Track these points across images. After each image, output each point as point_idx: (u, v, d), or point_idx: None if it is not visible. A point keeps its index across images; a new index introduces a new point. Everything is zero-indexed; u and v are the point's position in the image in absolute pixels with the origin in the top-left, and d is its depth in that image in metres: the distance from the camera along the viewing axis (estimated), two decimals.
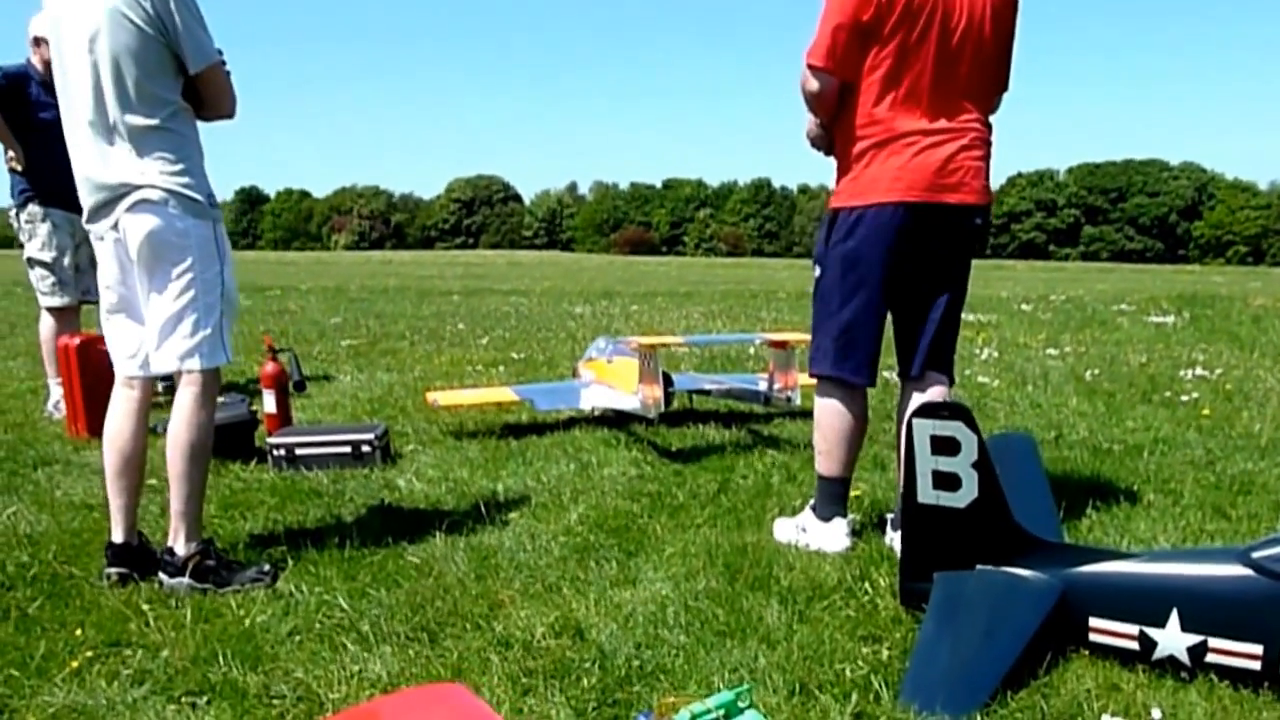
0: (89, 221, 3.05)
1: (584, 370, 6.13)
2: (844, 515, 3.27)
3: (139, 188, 2.92)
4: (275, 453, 4.59)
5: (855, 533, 3.45)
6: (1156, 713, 2.30)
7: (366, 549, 3.44)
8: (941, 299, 3.08)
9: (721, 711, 1.99)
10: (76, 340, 5.35)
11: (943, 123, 2.83)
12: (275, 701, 2.37)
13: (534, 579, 3.18)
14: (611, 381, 5.44)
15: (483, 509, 3.89)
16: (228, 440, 4.70)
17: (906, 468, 2.67)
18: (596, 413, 5.62)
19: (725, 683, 2.43)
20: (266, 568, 3.19)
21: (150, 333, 3.05)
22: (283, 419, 5.05)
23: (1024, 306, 13.68)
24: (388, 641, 2.71)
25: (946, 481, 2.64)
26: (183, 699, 2.37)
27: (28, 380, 7.07)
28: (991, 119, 3.02)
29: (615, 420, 5.57)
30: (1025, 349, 9.06)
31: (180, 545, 3.07)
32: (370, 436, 4.62)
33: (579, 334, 10.63)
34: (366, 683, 2.47)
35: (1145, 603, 2.44)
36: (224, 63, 3.05)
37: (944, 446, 2.61)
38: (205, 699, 2.37)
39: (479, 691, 2.38)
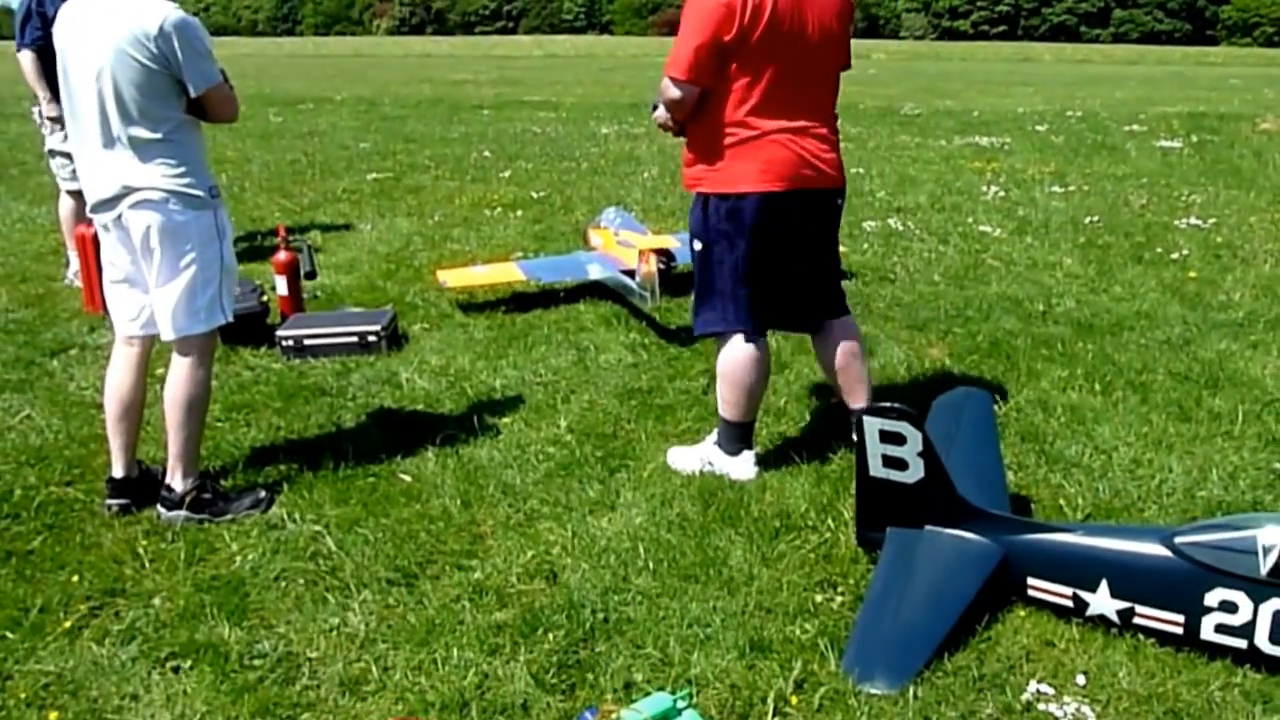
0: (93, 212, 3.04)
1: (593, 236, 5.93)
2: (750, 448, 3.32)
3: (141, 189, 2.92)
4: (284, 343, 4.52)
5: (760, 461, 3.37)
6: (1081, 679, 2.29)
7: (361, 466, 3.41)
8: (819, 264, 3.27)
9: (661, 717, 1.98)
10: (93, 230, 5.31)
11: (801, 121, 3.00)
12: (256, 663, 2.39)
13: (516, 506, 3.15)
14: (617, 255, 5.26)
15: (477, 414, 3.83)
16: (239, 330, 4.62)
17: (858, 448, 2.59)
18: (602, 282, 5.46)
19: (681, 643, 2.42)
20: (262, 494, 3.19)
21: (153, 302, 3.09)
22: (294, 304, 5.01)
23: (1038, 128, 12.92)
24: (369, 586, 2.71)
25: (895, 463, 2.55)
26: (167, 662, 2.40)
27: (51, 236, 6.84)
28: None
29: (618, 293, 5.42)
30: (1031, 185, 8.61)
31: (178, 482, 3.06)
32: (377, 327, 4.53)
33: (600, 164, 10.26)
34: (345, 637, 2.49)
35: (1079, 569, 2.45)
36: (227, 80, 3.04)
37: (892, 438, 2.52)
38: (189, 663, 2.40)
39: (449, 652, 2.39)
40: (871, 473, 2.60)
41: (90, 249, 5.27)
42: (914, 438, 2.49)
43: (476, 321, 4.98)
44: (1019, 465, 3.35)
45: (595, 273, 5.24)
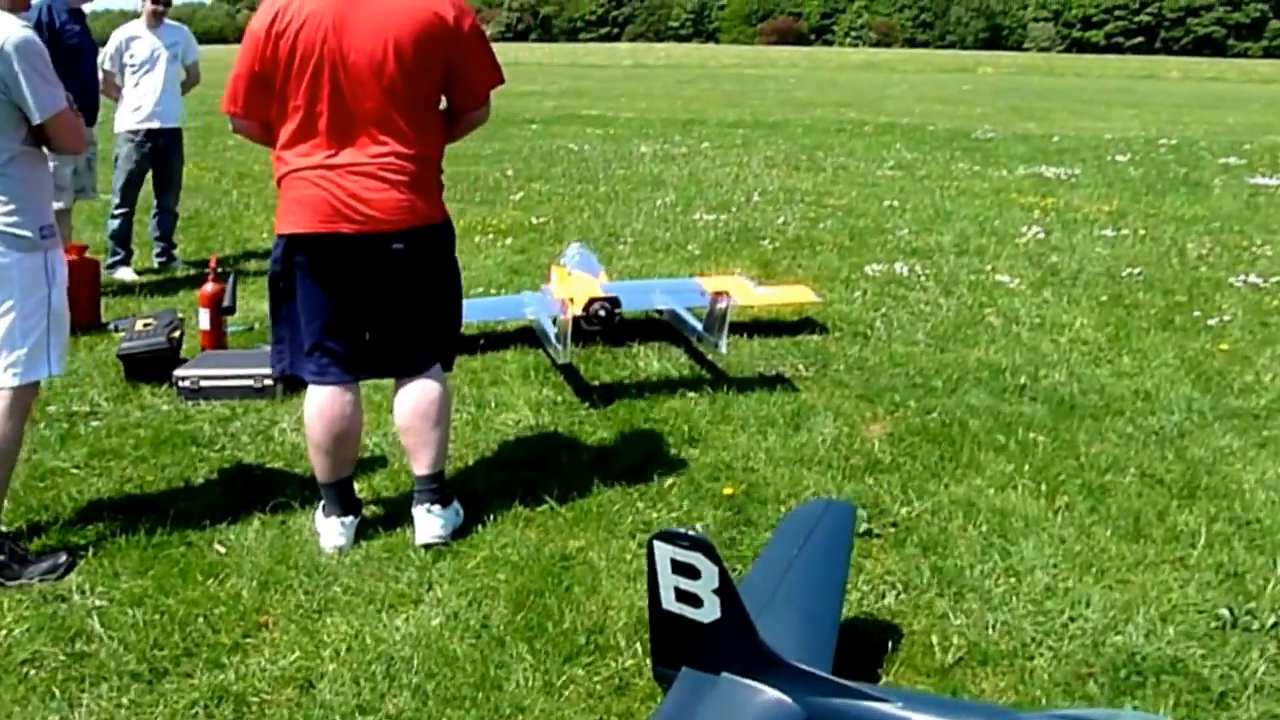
0: None
1: (553, 273, 5.71)
2: (342, 514, 3.14)
3: None
4: (180, 384, 4.41)
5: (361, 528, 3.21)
6: None
7: (182, 531, 3.24)
8: (389, 316, 3.06)
9: None
10: None
11: (345, 158, 2.83)
12: None
13: (315, 593, 2.92)
14: (559, 296, 5.01)
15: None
16: (142, 368, 4.59)
17: (649, 575, 2.26)
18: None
19: None
20: (62, 559, 3.03)
21: None
22: (216, 339, 4.95)
23: (1119, 158, 12.17)
24: (109, 681, 2.51)
25: (689, 599, 2.22)
26: None
27: None
28: (437, 139, 2.99)
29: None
30: (1079, 227, 8.03)
31: None
32: (269, 370, 4.36)
33: (620, 188, 10.05)
34: None
35: None
36: (72, 106, 2.91)
37: (685, 570, 2.18)
38: None
39: None
40: (664, 605, 2.28)
41: None
42: (709, 572, 2.15)
43: None
44: (904, 584, 2.96)
45: (531, 315, 5.01)
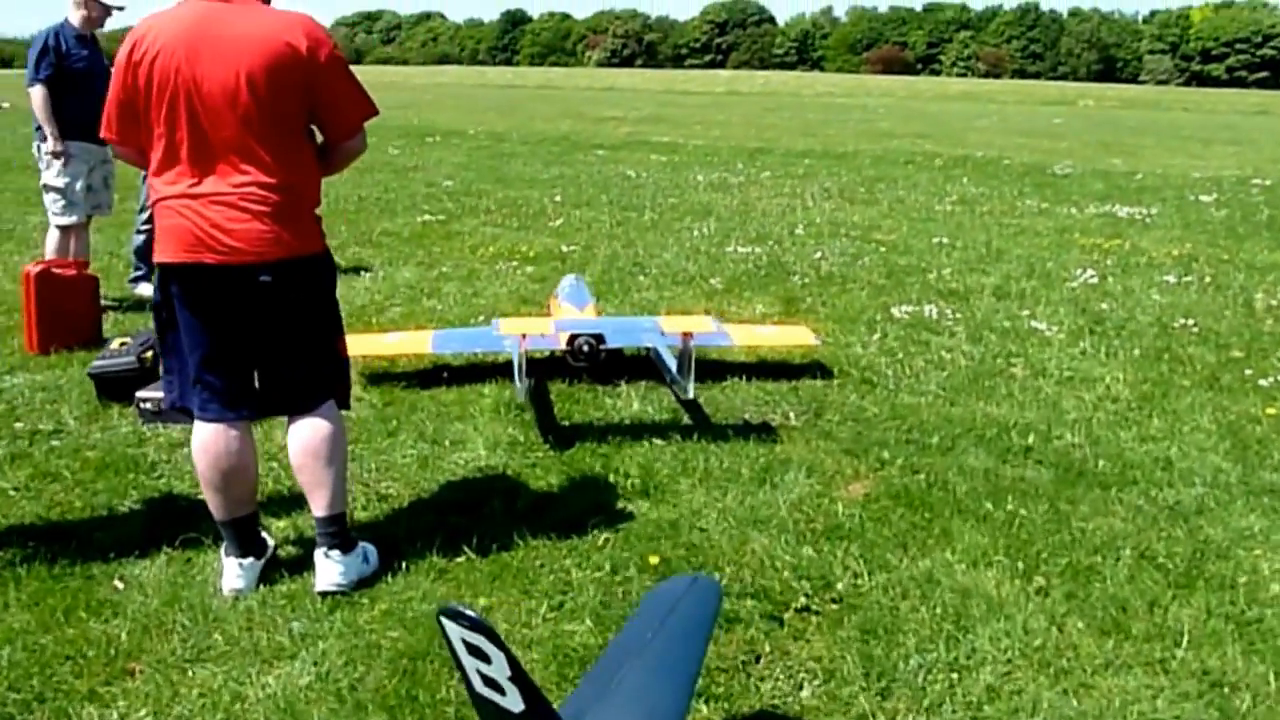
0: None
1: (550, 304, 5.54)
2: (241, 555, 3.01)
3: None
4: (142, 406, 4.34)
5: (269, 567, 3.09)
6: None
7: (88, 564, 3.14)
8: (265, 351, 2.97)
9: None
10: (36, 268, 5.47)
11: (208, 186, 2.77)
12: None
13: (195, 640, 2.77)
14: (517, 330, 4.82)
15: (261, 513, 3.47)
16: (111, 388, 4.56)
17: (451, 655, 2.02)
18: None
19: None
20: None
21: None
22: None
23: (1203, 198, 11.45)
24: None
25: (492, 685, 1.96)
26: None
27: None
28: (307, 170, 2.91)
29: (544, 365, 4.97)
30: (1140, 272, 7.50)
31: None
32: None
33: (664, 217, 9.84)
34: None
35: None
36: None
37: (477, 653, 1.93)
38: None
39: None
40: (475, 688, 2.03)
41: (33, 286, 5.37)
42: (498, 659, 1.90)
43: (367, 396, 4.64)
44: (828, 674, 2.65)
45: (480, 350, 4.85)
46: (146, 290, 6.50)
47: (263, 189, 2.77)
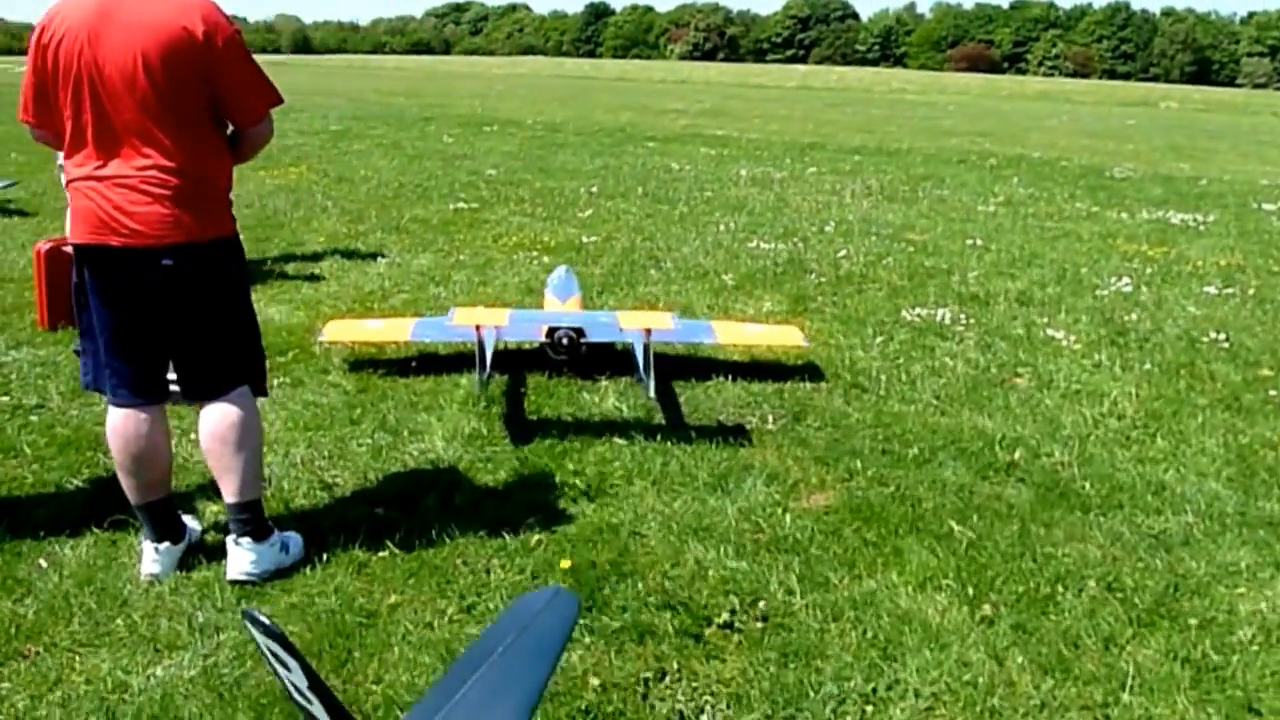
0: None
1: (548, 295, 5.42)
2: (158, 540, 2.97)
3: None
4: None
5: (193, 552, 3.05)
6: None
7: (24, 540, 3.12)
8: (181, 338, 2.92)
9: None
10: (46, 245, 5.56)
11: (112, 169, 2.75)
12: None
13: (96, 623, 2.73)
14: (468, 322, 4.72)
15: (192, 499, 3.42)
16: None
17: (264, 658, 1.91)
18: (506, 345, 4.93)
19: None
20: None
21: None
22: None
23: (1265, 205, 10.81)
24: None
25: (299, 692, 1.84)
26: None
27: None
28: (213, 155, 2.85)
29: (532, 356, 4.86)
30: (1180, 282, 7.09)
31: None
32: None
33: (696, 209, 9.66)
34: None
35: None
36: None
37: (279, 659, 1.81)
38: None
39: None
40: (293, 696, 1.91)
41: (43, 263, 5.44)
42: (295, 667, 1.78)
43: (343, 382, 4.57)
44: (731, 699, 2.48)
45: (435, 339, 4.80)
46: None
47: (164, 172, 2.73)
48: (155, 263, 2.75)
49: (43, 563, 3.02)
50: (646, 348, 4.00)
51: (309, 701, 1.82)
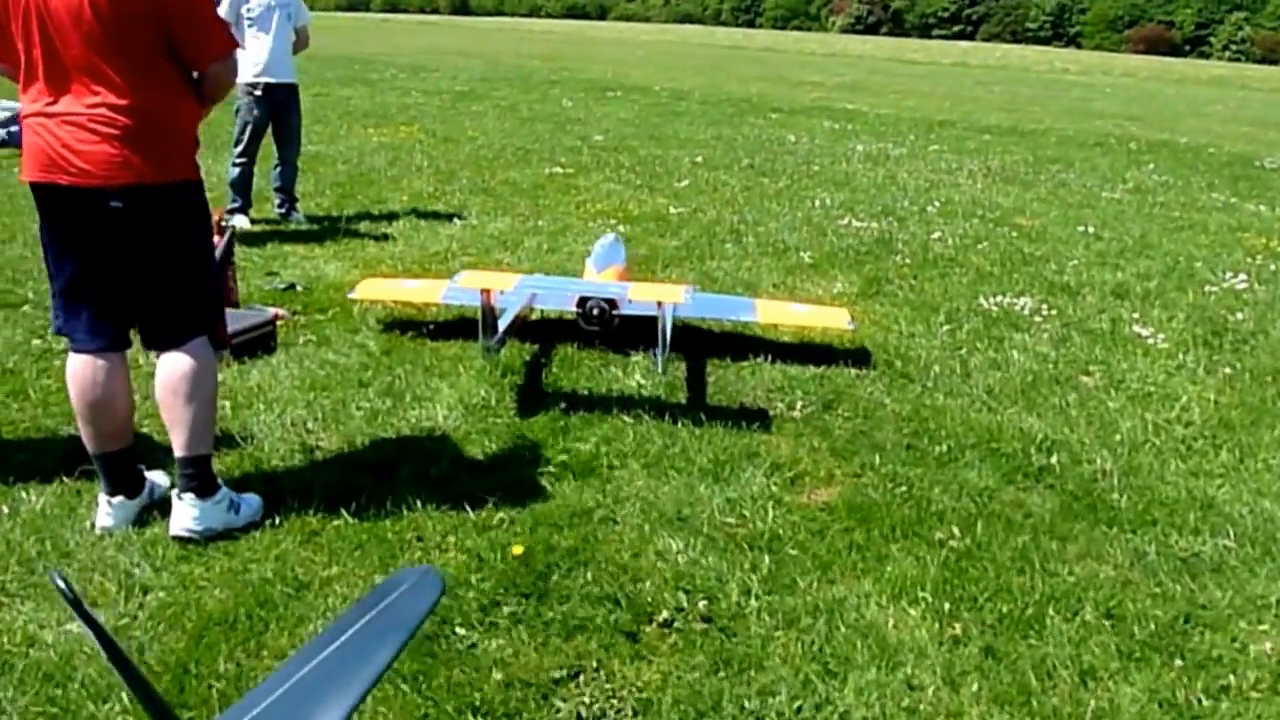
0: None
1: (588, 263, 5.26)
2: (112, 493, 2.93)
3: None
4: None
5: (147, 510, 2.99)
6: None
7: (2, 485, 3.15)
8: (133, 283, 2.85)
9: None
10: None
11: (62, 106, 2.69)
12: None
13: (32, 575, 2.71)
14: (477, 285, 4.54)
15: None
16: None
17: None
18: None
19: None
20: None
21: None
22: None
23: None
24: None
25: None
26: None
27: None
28: (168, 94, 2.76)
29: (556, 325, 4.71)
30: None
31: None
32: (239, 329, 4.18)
33: (794, 183, 9.28)
34: None
35: None
36: None
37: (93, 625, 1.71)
38: None
39: None
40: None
41: None
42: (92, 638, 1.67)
43: (370, 343, 4.53)
44: (642, 705, 2.27)
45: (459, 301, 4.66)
46: (243, 222, 6.69)
47: (113, 111, 2.66)
48: (104, 204, 2.70)
49: (4, 509, 3.02)
50: (663, 322, 3.79)
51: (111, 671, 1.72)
